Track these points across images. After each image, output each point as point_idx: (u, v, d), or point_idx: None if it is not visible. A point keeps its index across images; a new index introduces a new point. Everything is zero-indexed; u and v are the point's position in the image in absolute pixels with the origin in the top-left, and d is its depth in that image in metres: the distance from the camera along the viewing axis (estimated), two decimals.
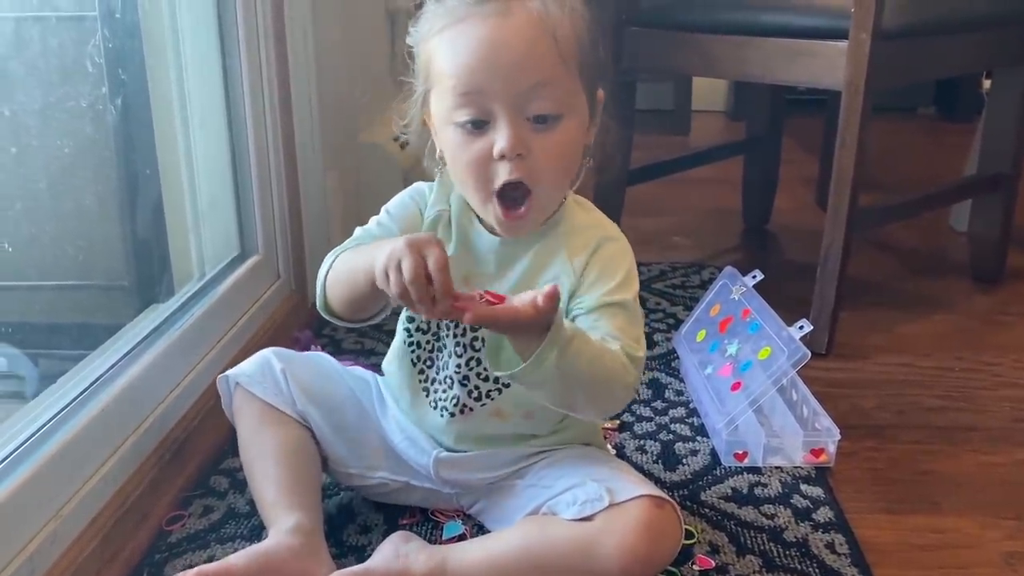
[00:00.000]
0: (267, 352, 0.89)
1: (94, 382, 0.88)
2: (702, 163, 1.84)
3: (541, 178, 0.73)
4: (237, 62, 1.18)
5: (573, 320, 0.76)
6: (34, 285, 1.22)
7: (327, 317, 0.81)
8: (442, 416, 0.82)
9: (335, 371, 0.91)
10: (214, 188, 1.20)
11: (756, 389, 0.97)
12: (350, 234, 0.84)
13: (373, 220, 0.84)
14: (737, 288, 1.12)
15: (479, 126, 0.72)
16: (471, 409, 0.81)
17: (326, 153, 1.40)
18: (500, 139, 0.70)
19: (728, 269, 1.18)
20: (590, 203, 0.82)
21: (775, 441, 1.00)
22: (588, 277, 0.76)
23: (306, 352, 0.95)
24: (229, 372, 0.88)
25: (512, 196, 0.73)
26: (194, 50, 1.14)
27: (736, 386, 1.00)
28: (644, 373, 1.20)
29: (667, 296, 1.46)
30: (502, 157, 0.71)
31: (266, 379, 0.86)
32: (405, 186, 1.58)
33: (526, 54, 0.69)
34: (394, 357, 0.86)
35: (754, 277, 1.12)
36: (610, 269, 0.76)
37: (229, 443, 1.01)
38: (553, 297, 0.65)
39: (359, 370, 0.94)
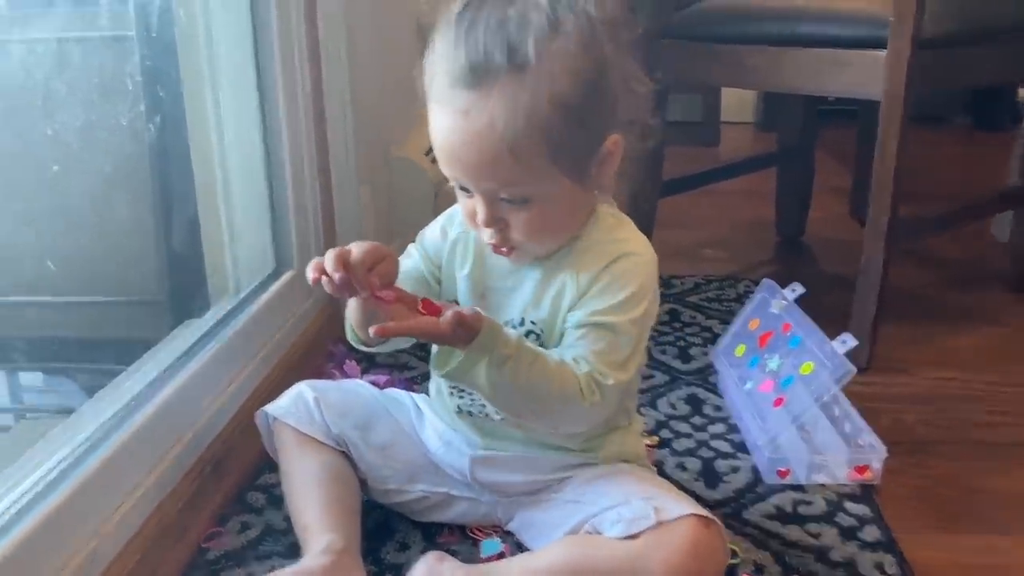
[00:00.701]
0: (300, 384, 0.91)
1: (132, 399, 0.89)
2: (736, 175, 1.82)
3: (524, 242, 0.74)
4: (272, 77, 1.18)
5: (563, 333, 0.76)
6: (72, 301, 1.23)
7: (356, 345, 0.82)
8: (458, 412, 0.83)
9: (369, 393, 0.93)
10: (249, 203, 1.21)
11: (799, 406, 0.95)
12: None
13: (410, 246, 0.86)
14: (777, 302, 1.10)
15: (465, 193, 0.74)
16: (492, 420, 0.82)
17: (359, 168, 1.40)
18: (479, 213, 0.73)
19: (766, 282, 1.16)
20: (625, 218, 0.81)
21: (819, 458, 0.98)
22: (590, 291, 0.75)
23: (342, 380, 0.97)
24: (266, 408, 0.90)
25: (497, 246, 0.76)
26: (229, 66, 1.15)
27: (778, 402, 0.98)
28: (682, 388, 1.19)
29: (702, 310, 1.44)
30: (483, 227, 0.74)
31: (300, 410, 0.88)
32: (436, 199, 1.61)
33: (479, 162, 0.69)
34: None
35: (794, 290, 1.10)
36: (615, 287, 0.74)
37: (266, 459, 1.01)
38: (458, 322, 0.66)
39: (394, 391, 0.95)
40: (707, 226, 1.94)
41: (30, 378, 1.49)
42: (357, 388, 0.94)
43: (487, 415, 0.82)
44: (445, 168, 0.72)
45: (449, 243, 0.83)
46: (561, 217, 0.75)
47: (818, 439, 1.03)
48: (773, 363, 1.03)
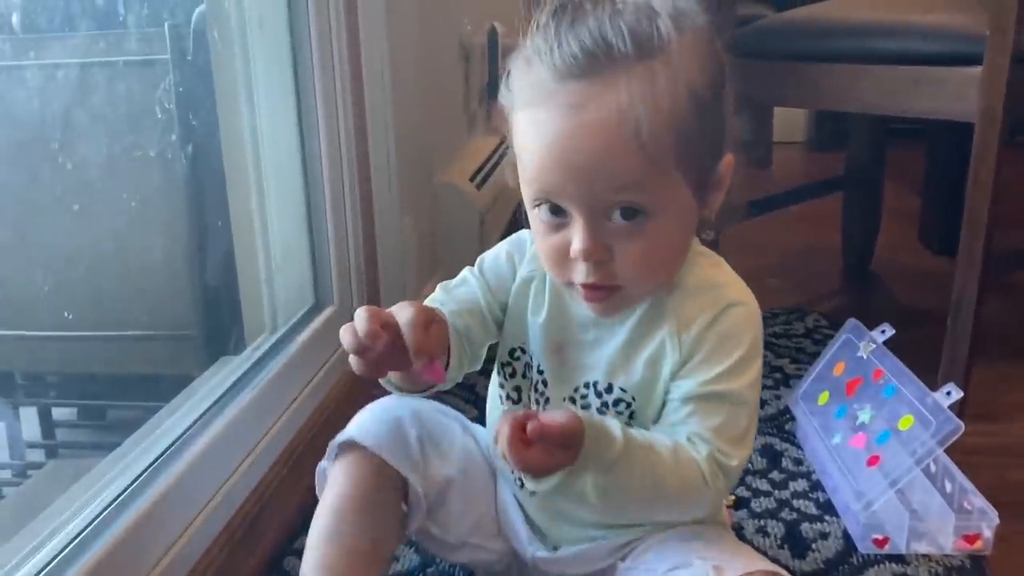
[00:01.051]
0: (390, 407, 0.74)
1: (161, 455, 0.81)
2: (805, 198, 1.72)
3: (627, 279, 0.62)
4: (311, 102, 1.11)
5: (665, 403, 0.65)
6: (104, 335, 1.19)
7: (386, 386, 0.69)
8: (520, 486, 0.73)
9: (460, 426, 0.78)
10: (288, 236, 1.14)
11: (897, 467, 0.85)
12: (425, 281, 0.74)
13: (465, 271, 0.74)
14: (865, 344, 0.99)
15: (557, 218, 0.62)
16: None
17: (402, 195, 1.32)
18: (576, 241, 0.60)
19: (851, 322, 1.05)
20: (716, 256, 0.70)
21: (921, 525, 0.87)
22: (696, 355, 0.64)
23: (427, 403, 0.80)
24: (353, 433, 0.71)
25: (595, 287, 0.63)
26: (268, 92, 1.08)
27: (873, 461, 0.88)
28: (756, 437, 1.08)
29: (770, 347, 1.34)
30: (576, 260, 0.61)
31: (397, 446, 0.71)
32: (482, 227, 1.53)
33: (601, 158, 0.58)
34: (491, 410, 0.76)
35: (883, 332, 1.00)
36: (725, 347, 0.64)
37: (303, 517, 0.93)
38: (560, 444, 0.56)
39: (477, 427, 0.82)
40: (768, 253, 1.83)
41: (63, 413, 1.46)
42: (452, 420, 0.77)
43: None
44: (540, 180, 0.60)
45: (519, 280, 0.71)
46: (674, 245, 0.64)
47: (916, 500, 0.92)
48: (864, 415, 0.93)
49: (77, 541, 0.68)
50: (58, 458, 1.43)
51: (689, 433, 0.63)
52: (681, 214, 0.62)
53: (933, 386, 0.91)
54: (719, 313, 0.64)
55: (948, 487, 0.91)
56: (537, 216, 0.63)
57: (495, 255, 0.73)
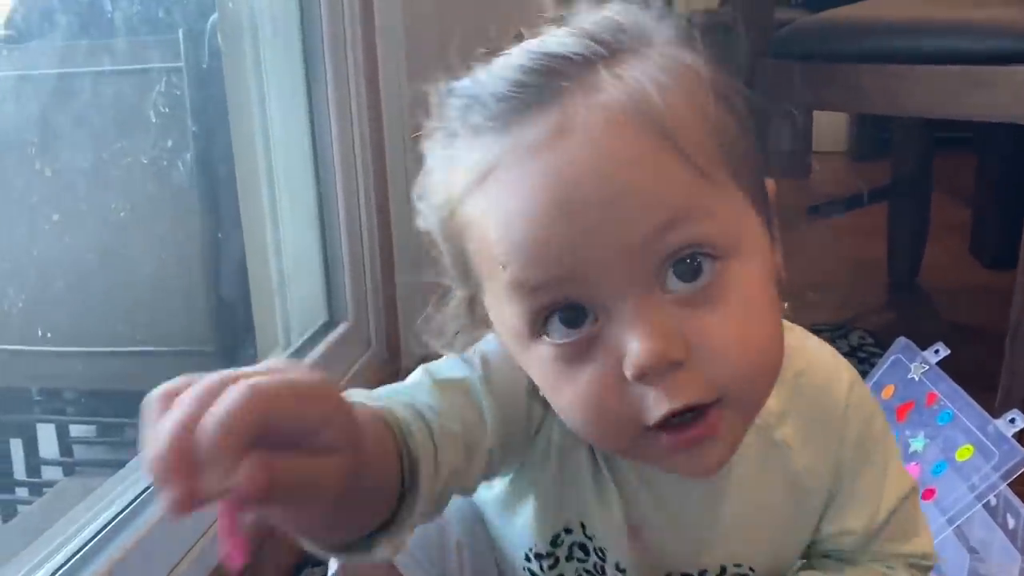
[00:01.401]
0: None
1: (142, 493, 0.76)
2: (850, 209, 1.65)
3: (729, 378, 0.39)
4: (326, 111, 1.08)
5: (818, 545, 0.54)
6: (120, 351, 1.17)
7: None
8: None
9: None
10: (300, 248, 1.10)
11: (955, 502, 0.77)
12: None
13: (462, 368, 0.47)
14: (916, 366, 0.92)
15: (579, 330, 0.40)
16: None
17: None
18: (632, 349, 0.38)
19: (901, 341, 0.97)
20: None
21: (982, 567, 0.79)
22: (841, 488, 0.50)
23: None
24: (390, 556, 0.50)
25: (688, 416, 0.40)
26: (279, 101, 1.05)
27: (928, 494, 0.80)
28: None
29: None
30: (643, 376, 0.38)
31: (432, 559, 0.53)
32: None
33: (629, 180, 0.38)
34: None
35: (936, 352, 0.92)
36: (865, 453, 0.50)
37: (306, 553, 0.88)
38: None
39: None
40: (809, 266, 1.74)
41: (81, 430, 1.45)
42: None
43: None
44: (538, 270, 0.39)
45: (560, 450, 0.48)
46: (771, 302, 0.42)
47: (975, 538, 0.84)
48: (917, 443, 0.85)
49: (75, 560, 0.66)
50: (73, 476, 1.42)
51: (872, 557, 0.54)
52: (760, 250, 0.42)
53: (989, 410, 0.83)
54: (840, 414, 0.49)
55: (1011, 523, 0.83)
56: (545, 348, 0.40)
57: (511, 375, 0.46)
